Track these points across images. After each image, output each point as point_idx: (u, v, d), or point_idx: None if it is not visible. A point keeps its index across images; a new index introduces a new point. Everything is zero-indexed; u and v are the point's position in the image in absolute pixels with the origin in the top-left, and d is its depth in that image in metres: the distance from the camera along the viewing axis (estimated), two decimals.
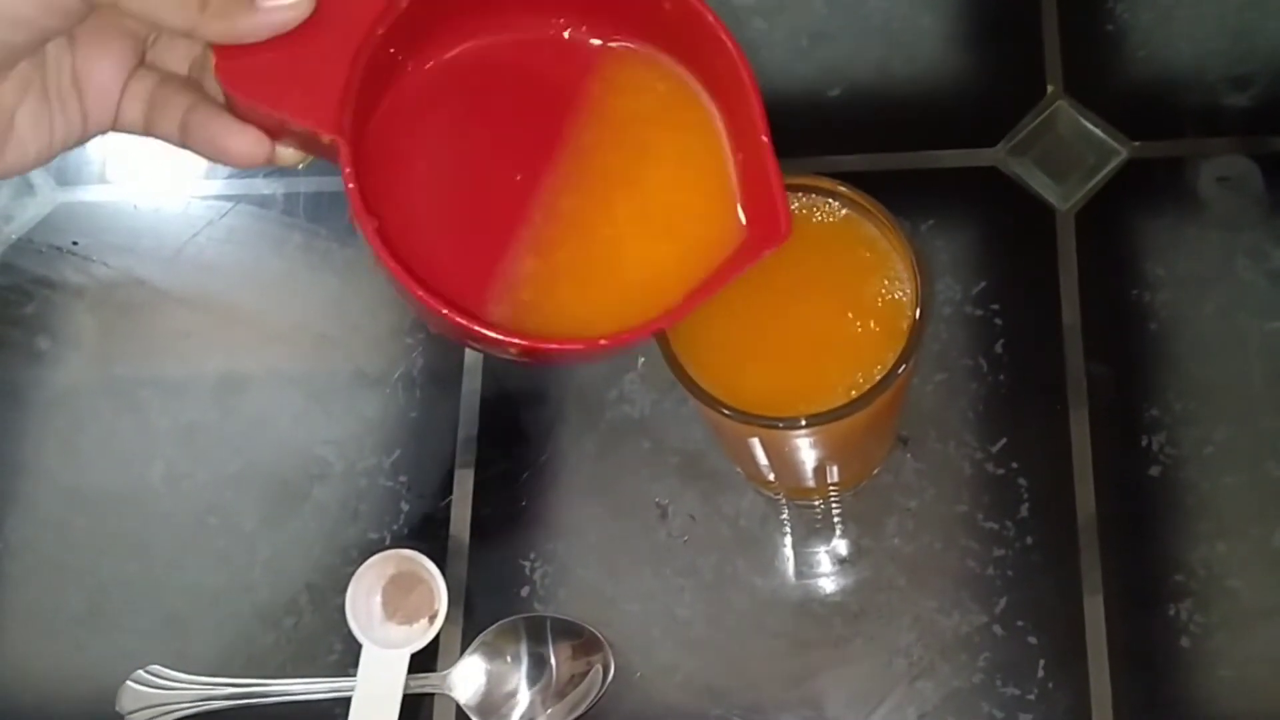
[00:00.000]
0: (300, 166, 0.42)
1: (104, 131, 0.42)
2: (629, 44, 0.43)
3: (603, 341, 0.39)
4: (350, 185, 0.38)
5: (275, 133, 0.40)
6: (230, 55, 0.38)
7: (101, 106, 0.41)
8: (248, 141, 0.40)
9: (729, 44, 0.40)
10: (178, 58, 0.42)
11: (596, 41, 0.43)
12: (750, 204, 0.42)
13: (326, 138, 0.38)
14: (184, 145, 0.42)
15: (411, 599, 0.55)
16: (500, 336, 0.39)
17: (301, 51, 0.38)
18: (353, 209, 0.38)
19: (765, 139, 0.40)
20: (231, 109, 0.40)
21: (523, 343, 0.39)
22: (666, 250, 0.42)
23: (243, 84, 0.38)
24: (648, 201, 0.42)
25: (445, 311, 0.38)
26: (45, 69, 0.40)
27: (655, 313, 0.40)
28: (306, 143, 0.40)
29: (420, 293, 0.38)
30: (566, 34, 0.43)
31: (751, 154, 0.41)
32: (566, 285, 0.41)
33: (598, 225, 0.42)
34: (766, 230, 0.40)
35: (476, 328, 0.38)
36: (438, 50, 0.42)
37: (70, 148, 0.42)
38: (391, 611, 0.55)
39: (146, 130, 0.42)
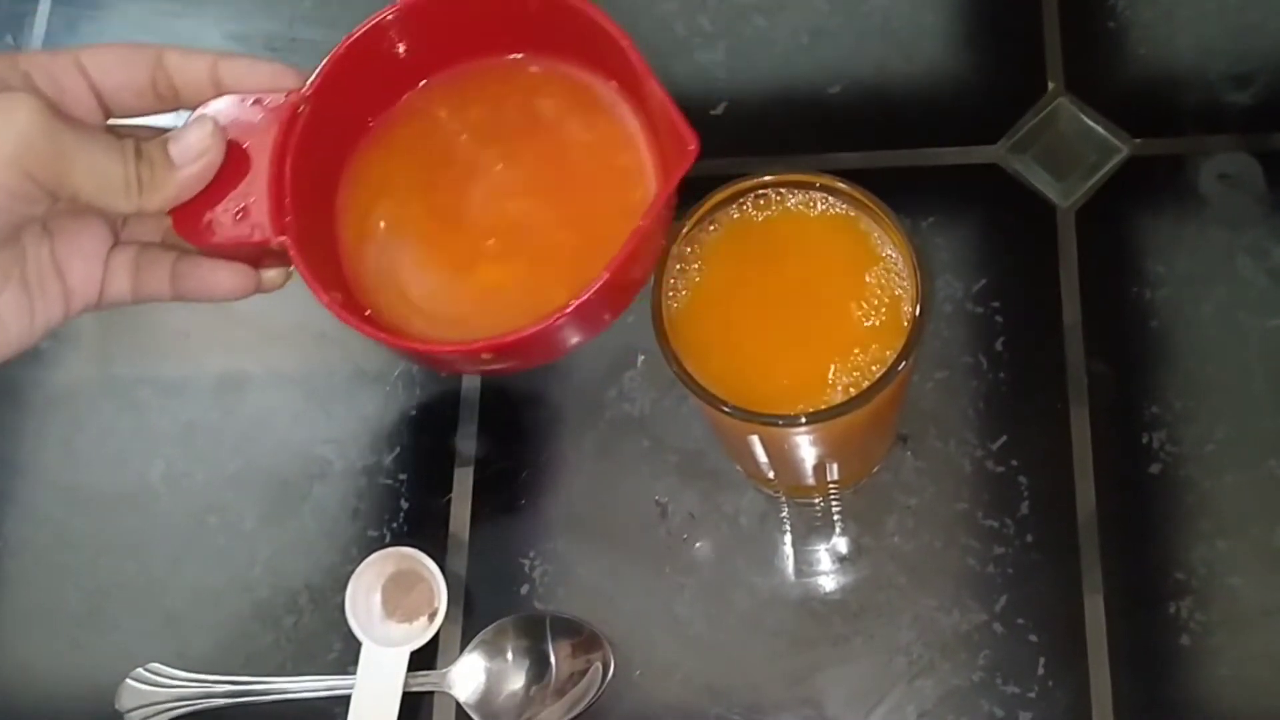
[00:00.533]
0: (286, 284, 0.47)
1: (88, 309, 0.45)
2: (522, 56, 0.46)
3: (564, 312, 0.40)
4: (303, 271, 0.42)
5: (255, 260, 0.45)
6: (181, 213, 0.43)
7: (85, 285, 0.45)
8: (233, 275, 0.45)
9: (586, 10, 0.43)
10: (148, 230, 0.46)
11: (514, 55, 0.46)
12: (661, 145, 0.43)
13: (275, 243, 0.42)
14: (177, 297, 0.46)
15: (411, 597, 0.55)
16: (464, 347, 0.42)
17: (233, 185, 0.43)
18: (311, 290, 0.42)
19: (651, 79, 0.41)
20: (207, 253, 0.45)
21: (486, 343, 0.41)
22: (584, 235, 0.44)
23: (199, 231, 0.43)
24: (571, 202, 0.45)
25: (407, 345, 0.43)
26: (25, 258, 0.43)
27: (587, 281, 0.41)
28: (283, 258, 0.44)
29: (387, 338, 0.43)
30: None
31: (645, 100, 0.43)
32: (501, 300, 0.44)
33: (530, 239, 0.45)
34: (678, 154, 0.40)
35: (444, 349, 0.43)
36: (360, 132, 0.46)
37: (51, 330, 0.44)
38: (391, 609, 0.55)
39: (136, 296, 0.45)
